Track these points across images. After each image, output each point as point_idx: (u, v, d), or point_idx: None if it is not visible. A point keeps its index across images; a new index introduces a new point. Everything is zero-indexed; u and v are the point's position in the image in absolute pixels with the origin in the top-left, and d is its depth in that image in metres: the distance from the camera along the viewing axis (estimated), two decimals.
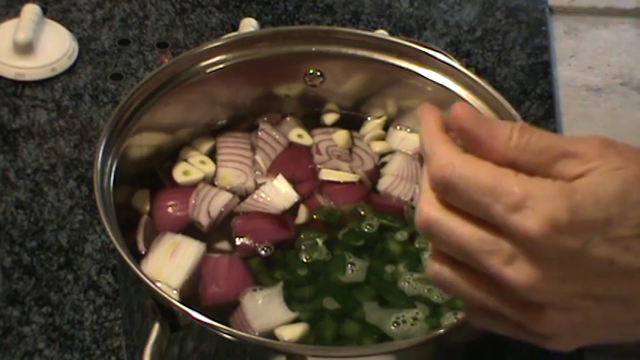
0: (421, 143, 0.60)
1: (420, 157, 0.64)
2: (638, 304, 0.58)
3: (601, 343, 0.61)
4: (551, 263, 0.55)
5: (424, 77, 0.84)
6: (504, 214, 0.55)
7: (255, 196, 0.82)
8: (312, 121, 0.89)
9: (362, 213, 0.81)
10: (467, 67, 0.84)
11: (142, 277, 0.68)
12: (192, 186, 0.82)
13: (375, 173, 0.85)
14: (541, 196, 0.54)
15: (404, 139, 0.87)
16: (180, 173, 0.83)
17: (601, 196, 0.55)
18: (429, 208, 0.58)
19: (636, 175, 0.56)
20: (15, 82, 1.04)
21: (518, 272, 0.55)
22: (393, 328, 0.73)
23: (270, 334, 0.73)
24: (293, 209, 0.81)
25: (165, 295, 0.67)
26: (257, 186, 0.83)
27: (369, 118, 0.89)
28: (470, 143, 0.58)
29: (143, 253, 0.78)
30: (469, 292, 0.59)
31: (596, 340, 0.60)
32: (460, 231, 0.57)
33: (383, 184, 0.84)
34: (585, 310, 0.57)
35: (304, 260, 0.77)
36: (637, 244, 0.56)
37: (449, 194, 0.57)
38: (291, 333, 0.73)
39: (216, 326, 0.66)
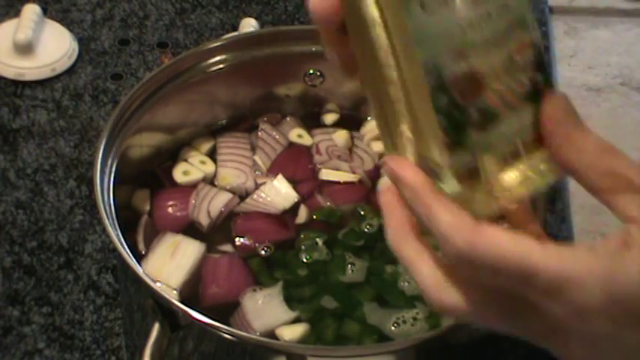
0: (413, 204, 0.51)
1: None
2: None
3: None
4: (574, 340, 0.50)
5: None
6: (538, 299, 0.49)
7: (255, 196, 0.82)
8: (312, 121, 0.89)
9: (362, 213, 0.81)
10: None
11: (142, 277, 0.68)
12: (192, 186, 0.82)
13: (375, 173, 0.85)
14: (577, 279, 0.47)
15: None
16: (180, 173, 0.83)
17: None
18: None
19: None
20: (15, 82, 1.04)
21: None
22: (393, 328, 0.73)
23: (271, 334, 0.73)
24: (293, 209, 0.81)
25: (166, 295, 0.67)
26: (257, 186, 0.83)
27: (369, 118, 0.89)
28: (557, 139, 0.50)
29: (143, 253, 0.78)
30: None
31: None
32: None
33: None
34: None
35: (304, 260, 0.77)
36: None
37: (472, 273, 0.50)
38: (291, 333, 0.73)
39: (216, 326, 0.66)
